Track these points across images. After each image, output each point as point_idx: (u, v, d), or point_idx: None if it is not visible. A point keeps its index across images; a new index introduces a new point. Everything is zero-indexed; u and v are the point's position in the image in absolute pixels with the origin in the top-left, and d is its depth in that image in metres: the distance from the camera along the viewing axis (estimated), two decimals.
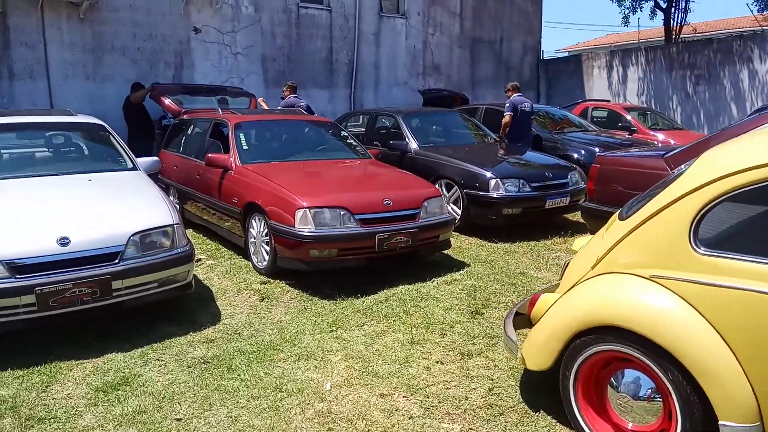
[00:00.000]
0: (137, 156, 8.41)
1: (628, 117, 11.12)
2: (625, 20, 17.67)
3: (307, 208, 4.63)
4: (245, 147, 5.78)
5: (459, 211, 6.57)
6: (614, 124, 11.26)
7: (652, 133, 10.28)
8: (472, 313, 4.18)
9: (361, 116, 9.43)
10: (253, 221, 5.18)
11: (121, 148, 5.25)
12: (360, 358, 3.53)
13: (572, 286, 2.73)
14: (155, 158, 5.45)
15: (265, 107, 9.15)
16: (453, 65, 13.54)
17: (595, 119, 11.13)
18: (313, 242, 4.57)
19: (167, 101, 8.19)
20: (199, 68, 10.24)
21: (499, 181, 6.36)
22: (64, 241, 3.58)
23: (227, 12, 10.44)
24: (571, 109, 11.24)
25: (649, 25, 24.37)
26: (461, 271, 5.22)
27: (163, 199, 4.35)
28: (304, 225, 4.61)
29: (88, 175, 4.65)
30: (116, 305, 3.72)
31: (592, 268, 2.66)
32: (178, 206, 7.01)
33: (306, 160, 5.91)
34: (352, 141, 6.63)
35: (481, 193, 6.39)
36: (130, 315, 3.97)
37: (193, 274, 4.19)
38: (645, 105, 13.05)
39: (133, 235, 3.80)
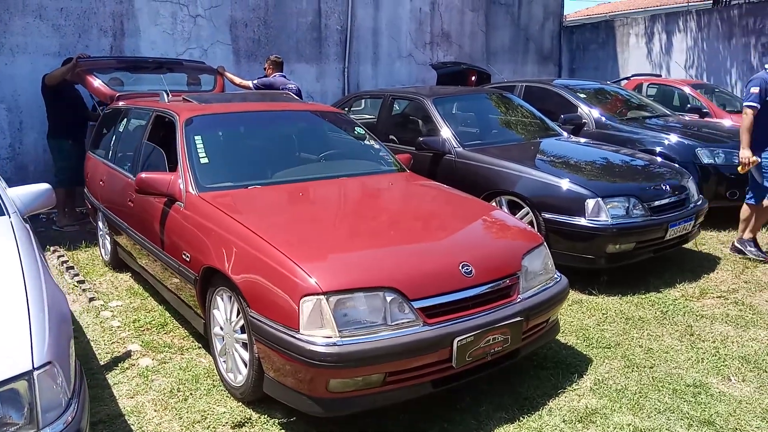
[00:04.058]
0: (62, 165, 6.08)
1: (689, 93, 8.99)
2: None
3: (324, 294, 2.35)
4: (204, 160, 3.44)
5: None
6: (670, 103, 9.11)
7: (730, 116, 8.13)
8: None
9: (366, 100, 7.07)
10: (218, 298, 2.89)
11: None
12: None
13: None
14: (44, 187, 3.08)
15: (237, 81, 6.72)
16: (465, 33, 11.15)
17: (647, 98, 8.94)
18: (338, 365, 2.31)
19: (96, 82, 5.74)
20: (145, 36, 7.71)
21: (601, 202, 4.14)
22: None
23: None
24: (620, 85, 9.01)
25: None
26: (585, 378, 3.01)
27: (24, 292, 2.01)
28: (316, 327, 2.34)
29: None
30: None
31: None
32: (108, 239, 4.68)
33: (307, 179, 3.59)
34: (373, 142, 4.31)
35: (572, 219, 4.18)
36: None
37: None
38: (695, 79, 10.91)
39: None
